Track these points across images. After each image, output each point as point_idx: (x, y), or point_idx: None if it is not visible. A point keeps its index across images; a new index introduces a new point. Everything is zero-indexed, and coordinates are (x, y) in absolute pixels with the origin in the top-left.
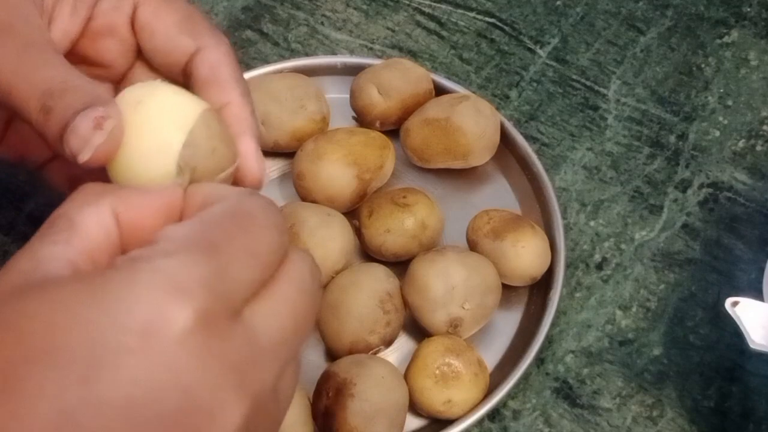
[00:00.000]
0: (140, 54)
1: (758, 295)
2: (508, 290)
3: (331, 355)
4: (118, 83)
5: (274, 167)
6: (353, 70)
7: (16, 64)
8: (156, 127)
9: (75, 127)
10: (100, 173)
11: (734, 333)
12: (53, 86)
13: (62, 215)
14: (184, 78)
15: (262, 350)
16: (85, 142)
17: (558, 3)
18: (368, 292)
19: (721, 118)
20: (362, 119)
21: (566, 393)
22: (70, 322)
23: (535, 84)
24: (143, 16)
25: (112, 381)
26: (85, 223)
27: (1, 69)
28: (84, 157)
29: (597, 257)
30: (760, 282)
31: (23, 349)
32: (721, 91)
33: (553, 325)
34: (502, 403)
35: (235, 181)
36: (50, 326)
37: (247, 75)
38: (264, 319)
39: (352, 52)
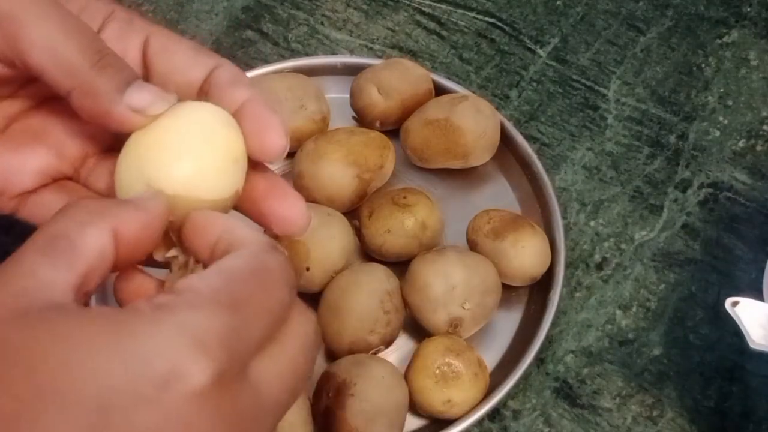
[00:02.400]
0: None
1: (758, 295)
2: (508, 290)
3: (331, 355)
4: None
5: (274, 167)
6: (353, 70)
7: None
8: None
9: (145, 86)
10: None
11: (734, 333)
12: (109, 52)
13: (62, 236)
14: (199, 93)
15: (264, 409)
16: (159, 98)
17: (558, 3)
18: (368, 292)
19: (721, 118)
20: (362, 119)
21: (566, 393)
22: (86, 364)
23: (535, 84)
24: (159, 42)
25: (122, 429)
26: (87, 246)
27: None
28: (158, 110)
29: (597, 257)
30: (760, 282)
31: (35, 387)
32: (721, 91)
33: (553, 325)
34: (502, 403)
35: (261, 151)
36: (64, 366)
37: (247, 75)
38: (268, 377)
39: (352, 52)
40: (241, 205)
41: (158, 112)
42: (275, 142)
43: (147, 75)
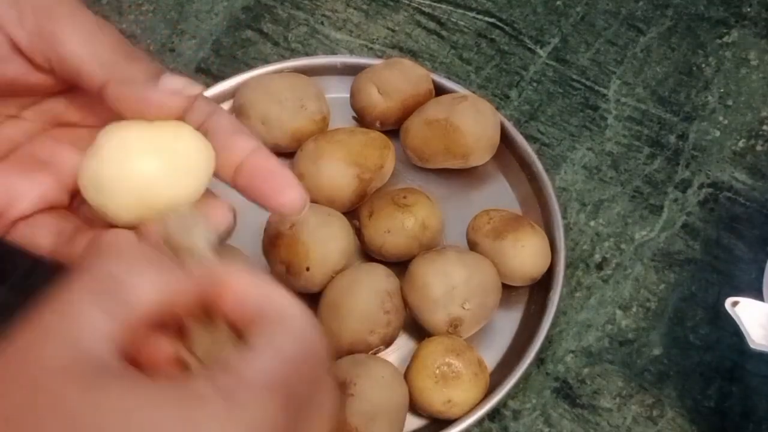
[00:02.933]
0: None
1: (758, 295)
2: (508, 290)
3: (331, 355)
4: None
5: None
6: (353, 70)
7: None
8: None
9: (175, 75)
10: None
11: (734, 333)
12: (137, 50)
13: (111, 276)
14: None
15: None
16: (190, 83)
17: (558, 3)
18: (368, 292)
19: (721, 118)
20: (362, 119)
21: (566, 393)
22: None
23: (535, 84)
24: None
25: None
26: (140, 300)
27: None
28: (193, 91)
29: (597, 257)
30: (760, 282)
31: None
32: (721, 90)
33: (553, 325)
34: (502, 403)
35: (277, 207)
36: None
37: (247, 75)
38: None
39: (352, 52)
40: (241, 183)
41: (194, 93)
42: (296, 199)
43: None
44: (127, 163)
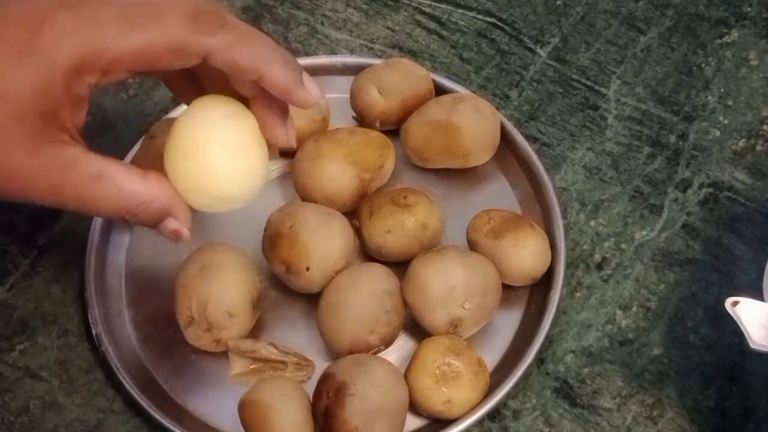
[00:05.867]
0: None
1: (758, 295)
2: (508, 290)
3: (331, 355)
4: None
5: (274, 167)
6: (353, 70)
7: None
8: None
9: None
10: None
11: (734, 333)
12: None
13: None
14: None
15: None
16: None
17: (558, 3)
18: (368, 292)
19: (721, 118)
20: (362, 119)
21: (566, 393)
22: None
23: (535, 84)
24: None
25: None
26: None
27: None
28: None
29: (597, 257)
30: (760, 282)
31: None
32: (721, 90)
33: (553, 325)
34: (502, 403)
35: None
36: None
37: None
38: None
39: (352, 52)
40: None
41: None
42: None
43: None
44: (199, 158)
